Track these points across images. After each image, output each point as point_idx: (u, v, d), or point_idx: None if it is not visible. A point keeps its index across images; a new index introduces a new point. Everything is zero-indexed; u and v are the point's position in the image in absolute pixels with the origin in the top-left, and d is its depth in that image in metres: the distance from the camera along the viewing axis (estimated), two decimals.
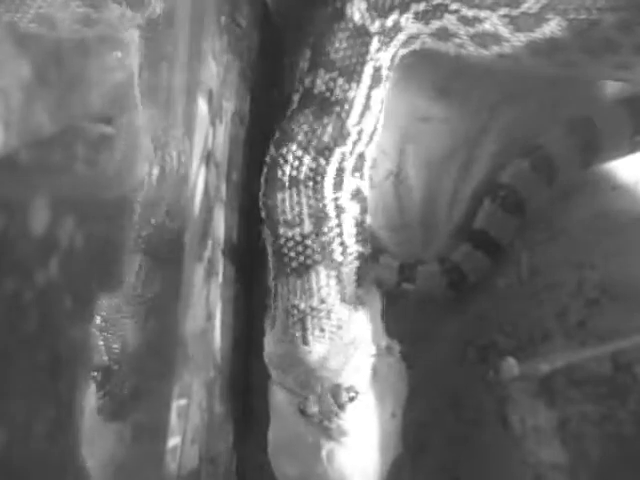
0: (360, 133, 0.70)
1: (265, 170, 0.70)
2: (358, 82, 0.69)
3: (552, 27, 0.68)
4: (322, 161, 0.68)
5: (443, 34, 0.72)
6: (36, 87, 0.66)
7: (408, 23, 0.71)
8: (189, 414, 0.69)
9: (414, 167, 0.83)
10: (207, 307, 0.73)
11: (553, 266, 0.78)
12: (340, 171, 0.69)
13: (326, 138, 0.68)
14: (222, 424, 0.77)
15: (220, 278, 0.76)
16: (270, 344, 0.69)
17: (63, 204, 0.62)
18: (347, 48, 0.69)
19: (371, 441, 0.64)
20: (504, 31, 0.69)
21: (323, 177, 0.68)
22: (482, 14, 0.69)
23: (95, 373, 0.63)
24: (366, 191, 0.72)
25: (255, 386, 0.82)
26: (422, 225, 0.82)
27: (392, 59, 0.73)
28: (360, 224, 0.70)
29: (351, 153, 0.70)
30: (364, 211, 0.71)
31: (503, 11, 0.68)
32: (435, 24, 0.71)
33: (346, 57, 0.68)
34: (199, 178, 0.71)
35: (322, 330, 0.65)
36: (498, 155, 0.81)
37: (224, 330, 0.77)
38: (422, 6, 0.70)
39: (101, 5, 0.67)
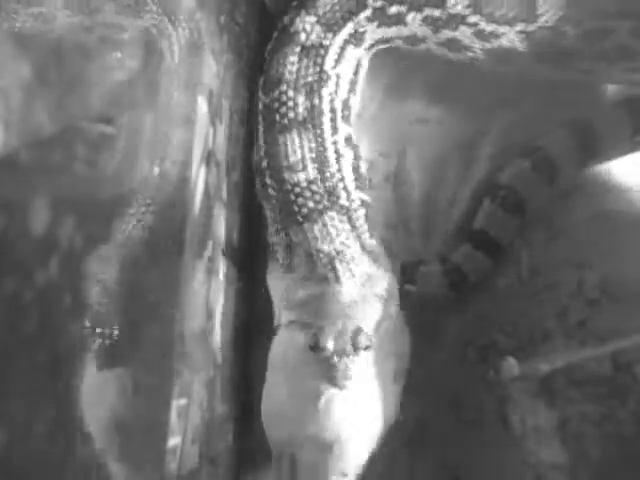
0: (338, 77, 0.70)
1: (260, 118, 0.70)
2: (335, 33, 0.70)
3: (569, 37, 0.68)
4: (316, 100, 0.68)
5: (454, 45, 0.71)
6: (36, 87, 0.66)
7: (415, 23, 0.71)
8: (189, 414, 0.69)
9: (413, 169, 0.83)
10: (207, 307, 0.73)
11: (553, 266, 0.78)
12: (333, 113, 0.69)
13: (311, 78, 0.69)
14: (222, 424, 0.77)
15: (220, 277, 0.76)
16: (289, 287, 0.68)
17: (63, 204, 0.62)
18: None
19: (372, 397, 0.63)
20: (519, 46, 0.69)
21: (321, 117, 0.69)
22: (501, 29, 0.68)
23: (87, 324, 0.63)
24: (355, 138, 0.72)
25: (255, 386, 0.82)
26: (422, 226, 0.82)
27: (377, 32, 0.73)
28: (357, 170, 0.70)
29: (336, 94, 0.70)
30: (358, 157, 0.71)
31: (520, 27, 0.68)
32: (446, 34, 0.70)
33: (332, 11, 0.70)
34: (199, 178, 0.71)
35: (353, 275, 0.65)
36: (496, 157, 0.81)
37: (224, 330, 0.77)
38: (437, 12, 0.69)
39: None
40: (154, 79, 0.69)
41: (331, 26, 0.70)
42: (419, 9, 0.70)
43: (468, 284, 0.78)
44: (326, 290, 0.65)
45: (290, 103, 0.68)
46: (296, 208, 0.67)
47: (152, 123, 0.69)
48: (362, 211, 0.68)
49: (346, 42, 0.71)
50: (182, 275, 0.69)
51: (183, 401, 0.68)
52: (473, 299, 0.78)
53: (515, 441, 0.69)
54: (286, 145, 0.67)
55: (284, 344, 0.67)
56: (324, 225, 0.66)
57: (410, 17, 0.70)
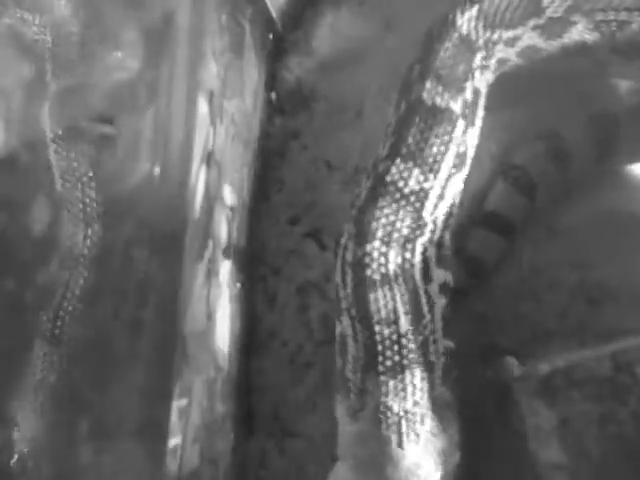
0: (436, 222, 0.67)
1: (349, 269, 0.66)
2: (436, 172, 0.66)
3: (580, 30, 0.67)
4: (408, 254, 0.65)
5: (500, 66, 0.71)
6: (36, 87, 0.66)
7: (478, 84, 0.69)
8: (190, 414, 0.69)
9: None
10: (207, 307, 0.73)
11: (553, 266, 0.78)
12: (425, 262, 0.66)
13: (405, 231, 0.65)
14: (222, 424, 0.77)
15: (220, 278, 0.76)
16: (349, 437, 0.66)
17: (63, 204, 0.63)
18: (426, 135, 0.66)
19: None
20: (539, 42, 0.69)
21: (412, 270, 0.65)
22: (518, 31, 0.68)
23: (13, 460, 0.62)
24: (451, 281, 0.69)
25: (255, 386, 0.82)
26: None
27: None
28: (446, 318, 0.67)
29: (431, 243, 0.67)
30: (448, 305, 0.68)
31: (532, 22, 0.68)
32: (492, 62, 0.70)
33: (426, 147, 0.66)
34: (199, 178, 0.71)
35: (417, 435, 0.63)
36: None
37: (224, 330, 0.77)
38: (479, 59, 0.68)
39: None
40: (154, 79, 0.69)
41: (431, 165, 0.66)
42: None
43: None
44: (388, 453, 0.63)
45: (382, 260, 0.65)
46: (380, 359, 0.64)
47: (152, 123, 0.69)
48: (443, 360, 0.66)
49: (449, 178, 0.67)
50: (182, 276, 0.69)
51: (183, 401, 0.68)
52: (473, 299, 0.78)
53: (515, 441, 0.69)
54: (377, 301, 0.65)
55: None
56: (402, 381, 0.63)
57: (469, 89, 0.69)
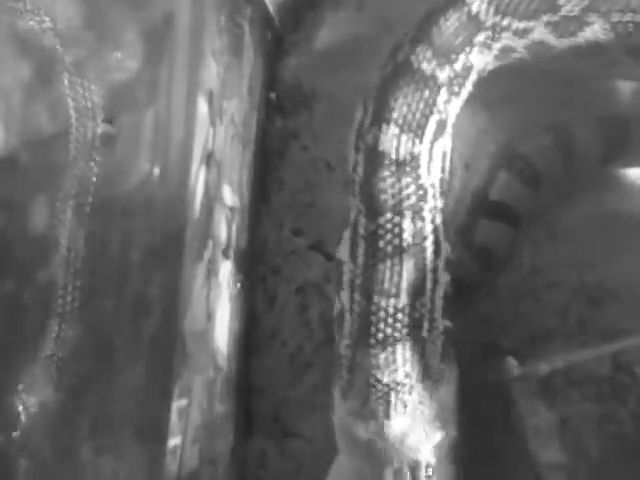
0: (433, 186, 0.67)
1: (363, 242, 0.66)
2: (421, 138, 0.66)
3: (595, 30, 0.67)
4: (419, 223, 0.65)
5: (504, 54, 0.70)
6: (36, 87, 0.66)
7: (476, 59, 0.69)
8: (189, 414, 0.69)
9: None
10: (207, 307, 0.73)
11: (553, 266, 0.78)
12: (436, 232, 0.66)
13: (414, 198, 0.65)
14: (222, 424, 0.77)
15: (220, 278, 0.76)
16: (342, 417, 0.66)
17: (63, 204, 0.63)
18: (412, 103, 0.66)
19: None
20: (551, 38, 0.68)
21: (425, 241, 0.65)
22: (530, 24, 0.68)
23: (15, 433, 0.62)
24: (453, 257, 0.69)
25: (255, 386, 0.82)
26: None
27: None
28: (448, 297, 0.67)
29: (435, 209, 0.67)
30: (452, 283, 0.68)
31: (546, 18, 0.67)
32: (496, 46, 0.69)
33: (411, 113, 0.66)
34: (199, 178, 0.71)
35: (405, 406, 0.63)
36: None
37: (224, 330, 0.77)
38: (482, 37, 0.68)
39: None
40: (154, 79, 0.69)
41: (416, 130, 0.66)
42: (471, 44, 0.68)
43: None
44: (376, 427, 0.63)
45: (396, 230, 0.64)
46: (373, 330, 0.64)
47: (152, 123, 0.69)
48: (441, 338, 0.65)
49: (433, 140, 0.67)
50: (182, 276, 0.69)
51: (183, 402, 0.68)
52: (473, 299, 0.78)
53: (515, 441, 0.69)
54: (384, 272, 0.64)
55: (348, 474, 0.66)
56: (393, 354, 0.63)
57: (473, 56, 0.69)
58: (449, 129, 0.69)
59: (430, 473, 0.63)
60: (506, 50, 0.70)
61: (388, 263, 0.64)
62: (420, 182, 0.66)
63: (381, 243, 0.65)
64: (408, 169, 0.65)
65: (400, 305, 0.64)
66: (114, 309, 0.66)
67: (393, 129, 0.66)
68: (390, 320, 0.64)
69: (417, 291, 0.65)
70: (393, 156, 0.66)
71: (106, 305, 0.66)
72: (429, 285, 0.65)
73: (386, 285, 0.64)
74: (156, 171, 0.69)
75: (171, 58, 0.70)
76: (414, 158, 0.66)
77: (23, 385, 0.61)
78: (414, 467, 0.63)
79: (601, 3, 0.67)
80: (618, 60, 0.70)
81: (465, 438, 0.66)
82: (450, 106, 0.68)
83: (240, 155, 0.82)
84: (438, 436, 0.64)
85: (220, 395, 0.76)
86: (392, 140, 0.66)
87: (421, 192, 0.66)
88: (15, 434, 0.60)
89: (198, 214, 0.71)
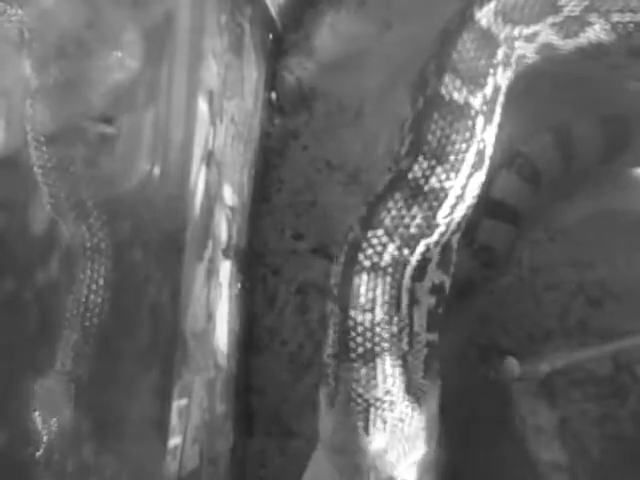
0: (449, 224, 0.66)
1: (345, 248, 0.66)
2: (457, 171, 0.65)
3: (597, 31, 0.67)
4: (406, 251, 0.64)
5: (520, 63, 0.70)
6: (36, 87, 0.66)
7: (501, 78, 0.68)
8: (190, 414, 0.69)
9: None
10: (207, 307, 0.73)
11: (553, 266, 0.78)
12: (423, 262, 0.65)
13: (413, 229, 0.64)
14: (222, 424, 0.77)
15: (220, 278, 0.76)
16: (327, 423, 0.66)
17: (63, 204, 0.62)
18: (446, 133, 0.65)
19: None
20: (556, 39, 0.69)
21: (405, 267, 0.65)
22: (537, 27, 0.68)
23: (38, 453, 0.62)
24: (448, 285, 0.68)
25: (255, 386, 0.82)
26: None
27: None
28: (434, 314, 0.67)
29: (436, 244, 0.66)
30: (440, 303, 0.67)
31: (550, 19, 0.67)
32: (513, 58, 0.69)
33: (447, 144, 0.65)
34: (199, 178, 0.71)
35: (384, 422, 0.63)
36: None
37: (224, 330, 0.77)
38: (501, 54, 0.67)
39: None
40: (154, 79, 0.69)
41: (453, 163, 0.65)
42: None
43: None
44: (355, 441, 0.63)
45: (379, 249, 0.64)
46: (353, 345, 0.64)
47: (152, 123, 0.69)
48: (424, 352, 0.65)
49: (470, 175, 0.65)
50: (182, 276, 0.69)
51: (183, 401, 0.68)
52: (473, 299, 0.78)
53: (515, 441, 0.69)
54: (359, 286, 0.64)
55: (322, 477, 0.67)
56: (373, 369, 0.63)
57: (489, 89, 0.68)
58: (487, 161, 0.67)
59: None
60: (521, 58, 0.70)
61: (364, 278, 0.64)
62: (436, 216, 0.65)
63: (360, 256, 0.64)
64: (430, 200, 0.64)
65: (377, 319, 0.64)
66: (114, 309, 0.66)
67: (429, 161, 0.65)
68: (369, 334, 0.64)
69: (393, 307, 0.64)
70: (420, 183, 0.64)
71: (105, 306, 0.66)
72: (406, 302, 0.65)
73: (361, 300, 0.64)
74: (156, 171, 0.69)
75: (171, 58, 0.70)
76: (443, 190, 0.64)
77: (39, 403, 0.61)
78: None
79: (601, 3, 0.67)
80: (621, 61, 0.70)
81: (465, 438, 0.66)
82: (486, 135, 0.66)
83: (240, 155, 0.82)
84: (419, 453, 0.64)
85: (220, 395, 0.76)
86: (426, 170, 0.64)
87: (428, 227, 0.65)
88: (39, 454, 0.60)
89: (198, 214, 0.71)
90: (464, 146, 0.64)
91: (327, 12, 0.92)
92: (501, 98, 0.68)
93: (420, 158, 0.65)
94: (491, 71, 0.66)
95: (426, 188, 0.64)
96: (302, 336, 0.83)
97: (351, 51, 0.90)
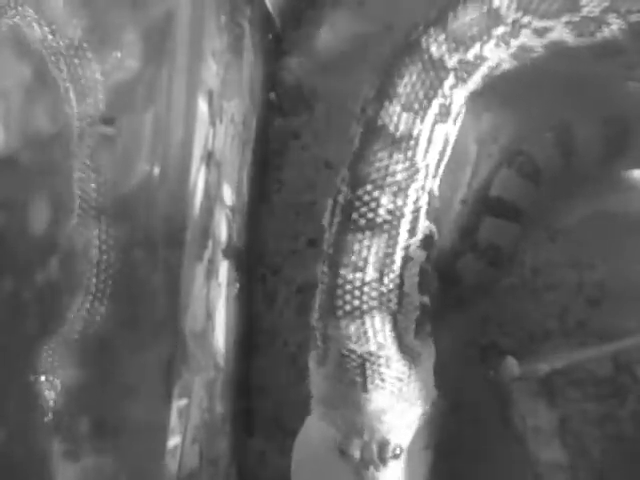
0: (427, 167, 0.67)
1: (339, 211, 0.66)
2: (422, 118, 0.66)
3: (613, 30, 0.67)
4: (399, 201, 0.65)
5: (522, 52, 0.70)
6: (36, 87, 0.66)
7: (490, 52, 0.69)
8: (189, 414, 0.69)
9: None
10: (207, 307, 0.73)
11: (553, 266, 0.78)
12: (416, 212, 0.66)
13: (399, 176, 0.65)
14: (222, 424, 0.77)
15: (220, 278, 0.76)
16: (318, 381, 0.66)
17: (63, 204, 0.63)
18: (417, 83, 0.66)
19: None
20: (569, 38, 0.68)
21: (400, 221, 0.65)
22: (550, 23, 0.68)
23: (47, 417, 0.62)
24: (436, 236, 0.69)
25: (255, 386, 0.82)
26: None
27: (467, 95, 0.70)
28: (425, 273, 0.67)
29: (423, 189, 0.66)
30: (430, 259, 0.68)
31: (566, 17, 0.67)
32: (514, 43, 0.69)
33: (414, 92, 0.66)
34: (199, 178, 0.71)
35: (383, 380, 0.63)
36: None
37: (224, 330, 0.77)
38: (501, 31, 0.68)
39: None
40: (154, 79, 0.69)
41: (417, 110, 0.66)
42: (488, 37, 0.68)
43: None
44: (353, 397, 0.63)
45: (372, 204, 0.65)
46: (340, 302, 0.64)
47: (152, 123, 0.69)
48: (415, 313, 0.65)
49: (434, 123, 0.67)
50: (182, 275, 0.69)
51: (183, 401, 0.68)
52: (473, 299, 0.78)
53: (515, 441, 0.69)
54: (352, 244, 0.64)
55: (315, 437, 0.66)
56: (362, 324, 0.63)
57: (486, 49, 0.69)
58: (453, 115, 0.69)
59: (397, 452, 0.62)
60: (524, 49, 0.70)
61: (358, 236, 0.64)
62: (414, 161, 0.66)
63: (354, 215, 0.65)
64: (403, 146, 0.65)
65: (367, 279, 0.64)
66: (113, 309, 0.66)
67: (395, 106, 0.66)
68: (357, 292, 0.64)
69: (386, 267, 0.64)
70: (390, 131, 0.66)
71: (105, 305, 0.66)
72: (399, 262, 0.65)
73: (353, 258, 0.64)
74: (156, 171, 0.69)
75: (171, 58, 0.70)
76: (413, 137, 0.66)
77: (45, 369, 0.61)
78: (382, 444, 0.62)
79: (621, 4, 0.66)
80: (636, 61, 0.70)
81: (465, 438, 0.66)
82: (456, 92, 0.68)
83: (240, 155, 0.82)
84: (415, 415, 0.64)
85: (220, 395, 0.76)
86: (392, 116, 0.66)
87: (411, 171, 0.66)
88: (47, 418, 0.60)
89: (198, 214, 0.71)
90: (430, 93, 0.66)
91: (327, 12, 0.92)
92: (484, 69, 0.69)
93: (386, 103, 0.66)
94: (481, 40, 0.67)
95: (397, 135, 0.65)
96: (302, 336, 0.83)
97: (351, 51, 0.90)
